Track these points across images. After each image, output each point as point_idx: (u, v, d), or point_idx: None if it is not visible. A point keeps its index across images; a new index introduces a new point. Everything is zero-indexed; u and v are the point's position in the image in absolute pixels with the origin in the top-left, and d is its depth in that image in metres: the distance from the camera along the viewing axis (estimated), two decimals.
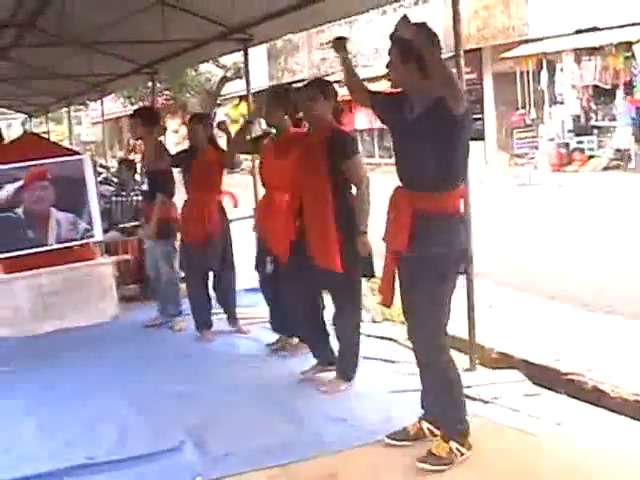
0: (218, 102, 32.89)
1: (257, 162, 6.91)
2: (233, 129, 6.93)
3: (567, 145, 21.49)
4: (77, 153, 8.84)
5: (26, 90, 15.21)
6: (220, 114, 33.29)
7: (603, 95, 20.83)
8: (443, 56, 3.95)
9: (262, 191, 6.37)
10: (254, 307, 7.27)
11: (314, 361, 5.73)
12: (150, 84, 12.28)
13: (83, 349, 6.87)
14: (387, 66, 4.18)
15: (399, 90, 4.25)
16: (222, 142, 6.90)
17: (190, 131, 7.05)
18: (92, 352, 6.76)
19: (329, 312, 5.75)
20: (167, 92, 32.04)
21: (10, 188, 7.50)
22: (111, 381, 5.94)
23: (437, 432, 4.29)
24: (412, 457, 4.18)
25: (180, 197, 7.15)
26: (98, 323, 7.62)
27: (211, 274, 6.98)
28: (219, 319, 7.12)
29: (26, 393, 5.80)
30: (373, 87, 4.65)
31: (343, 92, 5.09)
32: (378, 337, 6.53)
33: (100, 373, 6.16)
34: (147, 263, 7.65)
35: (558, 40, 20.52)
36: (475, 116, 21.59)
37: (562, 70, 21.32)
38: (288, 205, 5.49)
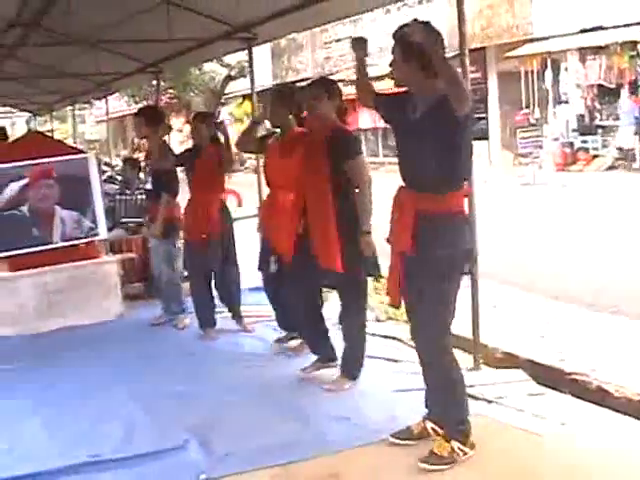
0: (222, 101, 32.90)
1: (261, 161, 6.91)
2: (237, 128, 6.93)
3: (571, 144, 21.46)
4: (82, 151, 8.85)
5: (30, 89, 15.22)
6: (224, 113, 33.32)
7: (608, 94, 20.81)
8: (447, 55, 3.95)
9: (267, 190, 6.38)
10: (258, 306, 7.27)
11: (314, 358, 5.75)
12: (154, 83, 12.28)
13: (87, 347, 6.88)
14: (390, 65, 4.18)
15: (403, 90, 4.25)
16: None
17: (193, 130, 7.07)
18: (96, 351, 6.77)
19: (330, 310, 5.77)
20: (171, 91, 32.03)
21: (15, 186, 7.52)
22: (115, 380, 5.95)
23: (441, 432, 4.29)
24: (416, 456, 4.19)
25: (183, 196, 7.15)
26: (102, 321, 7.63)
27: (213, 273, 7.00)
28: (223, 318, 7.13)
29: (31, 391, 5.81)
30: (378, 86, 4.65)
31: (347, 91, 5.09)
32: (382, 336, 6.54)
33: (104, 372, 6.17)
34: (151, 261, 7.66)
35: (563, 39, 20.50)
36: (479, 115, 21.64)
37: (567, 69, 21.30)
38: (292, 204, 5.49)
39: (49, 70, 12.25)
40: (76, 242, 7.85)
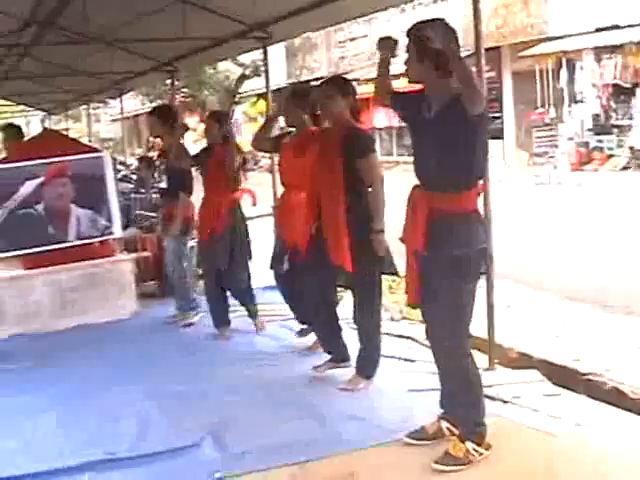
0: (236, 100, 32.94)
1: (276, 160, 6.92)
2: (251, 127, 6.93)
3: (587, 144, 21.38)
4: (97, 150, 8.86)
5: (45, 87, 15.29)
6: (238, 112, 33.38)
7: (623, 94, 20.73)
8: (462, 54, 3.94)
9: (281, 189, 6.39)
10: (272, 305, 7.27)
11: (327, 357, 5.73)
12: (169, 82, 12.30)
13: (102, 345, 6.90)
14: (405, 63, 4.18)
15: (419, 89, 4.24)
16: None
17: (207, 129, 7.07)
18: (111, 349, 6.79)
19: (344, 309, 5.76)
20: (186, 90, 32.10)
21: (31, 185, 7.54)
22: (129, 377, 5.97)
23: (456, 432, 4.28)
24: (430, 457, 4.18)
25: (197, 195, 7.17)
26: (117, 320, 7.65)
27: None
28: (238, 317, 7.13)
29: (46, 389, 5.83)
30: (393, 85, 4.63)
31: (361, 90, 5.08)
32: (397, 336, 6.53)
33: (119, 370, 6.19)
34: (165, 260, 7.68)
35: (578, 38, 20.44)
36: (494, 115, 21.58)
37: (582, 68, 21.25)
38: (307, 202, 5.49)
39: (64, 69, 12.29)
40: (91, 240, 7.87)
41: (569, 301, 7.71)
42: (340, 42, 29.97)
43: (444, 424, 4.39)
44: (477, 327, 5.17)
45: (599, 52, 20.63)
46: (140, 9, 8.12)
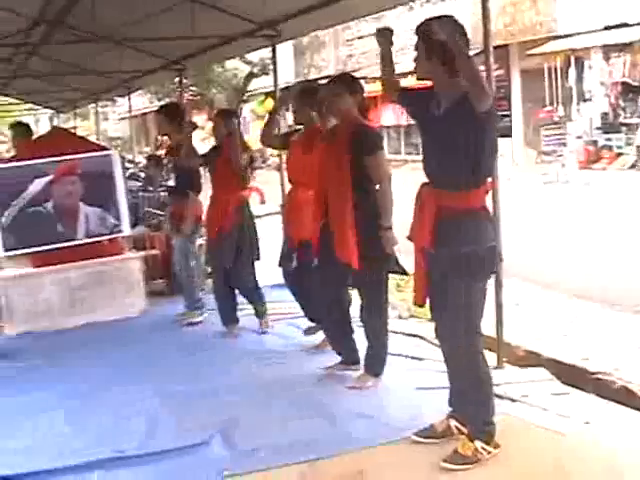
0: (244, 98, 32.95)
1: (284, 158, 6.92)
2: (258, 125, 6.92)
3: (595, 142, 21.33)
4: (106, 148, 8.88)
5: (54, 86, 15.31)
6: (246, 110, 33.39)
7: (632, 92, 20.66)
8: (471, 52, 3.94)
9: (289, 187, 6.40)
10: (281, 303, 7.27)
11: (338, 358, 5.71)
12: (177, 80, 12.31)
13: (110, 343, 6.92)
14: (414, 61, 4.18)
15: (428, 85, 4.23)
16: None
17: (214, 127, 7.07)
18: (119, 346, 6.81)
19: (352, 308, 5.76)
20: (194, 88, 32.12)
21: (39, 183, 7.56)
22: (137, 376, 5.99)
23: (465, 430, 4.28)
24: (439, 455, 4.18)
25: (204, 194, 7.18)
26: (126, 318, 7.67)
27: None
28: (246, 315, 7.13)
29: (54, 387, 5.85)
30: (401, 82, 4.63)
31: (369, 89, 5.08)
32: (405, 334, 6.52)
33: (127, 368, 6.21)
34: (174, 258, 7.69)
35: (586, 36, 20.40)
36: (502, 113, 21.53)
37: (590, 67, 21.20)
38: (314, 200, 5.49)
39: (73, 67, 12.30)
40: (100, 238, 7.89)
41: (577, 300, 7.69)
42: (348, 40, 29.95)
43: (453, 422, 4.39)
44: (485, 325, 5.17)
45: (608, 50, 20.58)
46: (149, 8, 8.12)
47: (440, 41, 3.87)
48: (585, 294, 7.84)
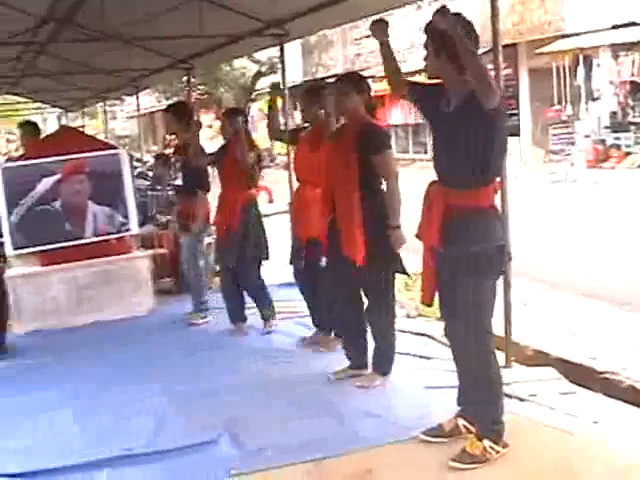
0: (252, 97, 32.97)
1: (292, 157, 6.92)
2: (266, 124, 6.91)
3: (604, 141, 21.26)
4: (114, 147, 8.89)
5: (62, 85, 15.34)
6: (254, 109, 33.39)
7: None
8: (479, 51, 3.93)
9: (297, 185, 6.40)
10: (289, 302, 7.27)
11: (347, 362, 5.64)
12: (185, 79, 12.32)
13: (118, 342, 6.94)
14: (424, 59, 4.17)
15: (438, 82, 4.22)
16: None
17: (222, 126, 7.07)
18: (127, 345, 6.83)
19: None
20: (202, 87, 32.15)
21: (48, 181, 7.58)
22: (146, 374, 6.00)
23: (473, 429, 4.27)
24: (447, 454, 4.17)
25: (212, 194, 7.19)
26: (134, 316, 7.68)
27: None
28: (253, 314, 7.13)
29: (62, 385, 5.87)
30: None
31: (377, 87, 5.07)
32: (413, 333, 6.52)
33: (134, 367, 6.23)
34: (182, 257, 7.69)
35: (595, 35, 20.34)
36: (510, 112, 21.47)
37: (599, 66, 21.14)
38: (322, 198, 5.49)
39: (81, 66, 12.32)
40: (108, 237, 7.90)
41: (585, 299, 7.68)
42: (356, 39, 29.91)
43: (461, 422, 4.38)
44: (494, 325, 5.18)
45: (616, 49, 20.53)
46: (157, 7, 8.13)
47: (448, 37, 3.87)
48: (593, 293, 7.82)
